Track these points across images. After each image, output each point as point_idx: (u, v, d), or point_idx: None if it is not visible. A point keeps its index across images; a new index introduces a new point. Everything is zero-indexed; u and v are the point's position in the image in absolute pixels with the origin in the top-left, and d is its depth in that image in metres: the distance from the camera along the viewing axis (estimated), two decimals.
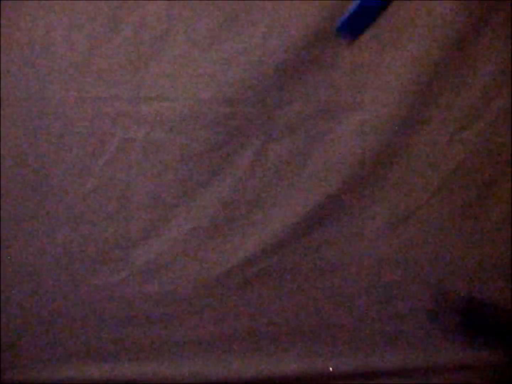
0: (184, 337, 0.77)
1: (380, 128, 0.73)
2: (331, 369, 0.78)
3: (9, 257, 0.74)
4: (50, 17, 0.69)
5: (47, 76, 0.70)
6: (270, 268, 0.76)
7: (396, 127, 0.73)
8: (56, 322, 0.76)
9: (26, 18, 0.69)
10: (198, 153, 0.73)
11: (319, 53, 0.71)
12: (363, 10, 0.47)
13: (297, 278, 0.76)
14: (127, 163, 0.72)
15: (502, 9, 0.71)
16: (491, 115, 0.73)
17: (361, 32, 0.47)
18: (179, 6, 0.70)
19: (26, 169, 0.72)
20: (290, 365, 0.78)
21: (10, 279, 0.75)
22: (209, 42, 0.71)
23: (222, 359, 0.78)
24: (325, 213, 0.74)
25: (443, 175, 0.74)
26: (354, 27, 0.48)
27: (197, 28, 0.70)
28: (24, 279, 0.75)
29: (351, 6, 0.48)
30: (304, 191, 0.74)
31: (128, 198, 0.73)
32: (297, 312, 0.77)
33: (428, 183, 0.74)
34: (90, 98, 0.71)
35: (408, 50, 0.72)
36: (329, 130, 0.73)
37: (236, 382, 0.77)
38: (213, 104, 0.71)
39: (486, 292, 0.77)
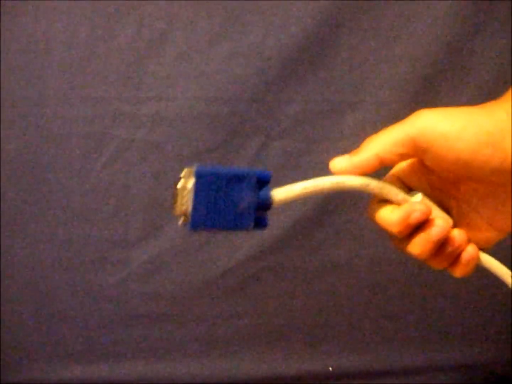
0: (184, 337, 0.77)
1: (380, 128, 0.73)
2: (331, 369, 0.78)
3: (9, 257, 0.74)
4: (50, 17, 0.69)
5: (46, 76, 0.70)
6: (270, 268, 0.76)
7: None
8: (56, 322, 0.76)
9: (26, 18, 0.69)
10: (198, 153, 0.73)
11: (318, 53, 0.71)
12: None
13: (297, 278, 0.76)
14: (126, 163, 0.72)
15: (502, 9, 0.71)
16: None
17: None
18: (178, 6, 0.69)
19: (25, 169, 0.72)
20: (290, 365, 0.78)
21: (10, 279, 0.75)
22: (209, 42, 0.70)
23: (222, 359, 0.78)
24: (325, 213, 0.75)
25: None
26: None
27: (197, 28, 0.70)
28: (24, 279, 0.75)
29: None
30: None
31: (127, 198, 0.73)
32: (297, 312, 0.77)
33: None
34: (90, 98, 0.71)
35: (408, 50, 0.71)
36: (329, 130, 0.73)
37: (236, 382, 0.77)
38: (213, 104, 0.71)
39: (486, 293, 0.77)
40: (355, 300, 0.77)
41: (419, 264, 0.77)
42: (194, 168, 0.39)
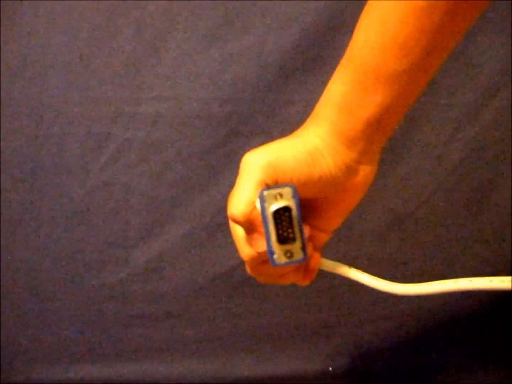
0: (184, 337, 0.77)
1: None
2: (331, 369, 0.78)
3: (9, 257, 0.74)
4: (50, 17, 0.69)
5: (47, 76, 0.70)
6: None
7: (396, 127, 0.73)
8: (56, 322, 0.76)
9: (25, 18, 0.69)
10: (198, 153, 0.73)
11: (318, 53, 0.71)
12: None
13: None
14: (126, 163, 0.73)
15: (502, 9, 0.71)
16: (490, 115, 0.73)
17: None
18: (179, 6, 0.70)
19: (25, 169, 0.72)
20: (290, 365, 0.78)
21: (10, 279, 0.75)
22: (209, 42, 0.70)
23: (222, 359, 0.78)
24: None
25: (442, 175, 0.74)
26: None
27: (197, 28, 0.70)
28: (24, 279, 0.75)
29: None
30: None
31: (127, 198, 0.73)
32: (297, 312, 0.77)
33: (428, 182, 0.74)
34: (90, 98, 0.71)
35: None
36: None
37: (236, 382, 0.77)
38: (213, 104, 0.71)
39: (486, 293, 0.77)
40: (355, 300, 0.77)
41: (418, 264, 0.77)
42: (287, 188, 0.34)
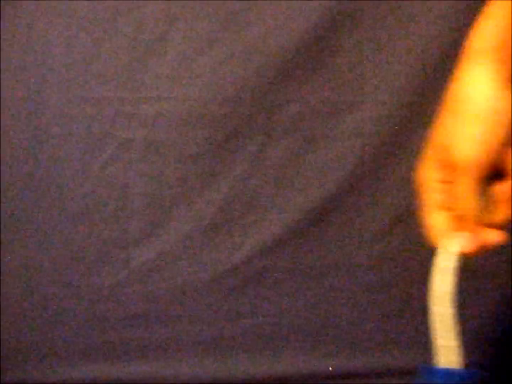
0: (184, 337, 0.77)
1: (380, 128, 0.73)
2: (331, 369, 0.78)
3: (9, 257, 0.74)
4: (50, 17, 0.69)
5: (46, 76, 0.70)
6: (270, 268, 0.76)
7: (396, 127, 0.73)
8: (56, 322, 0.76)
9: (26, 18, 0.69)
10: (197, 153, 0.73)
11: (318, 53, 0.71)
12: None
13: (297, 278, 0.76)
14: (126, 163, 0.72)
15: None
16: None
17: None
18: (178, 6, 0.70)
19: (25, 169, 0.72)
20: (290, 365, 0.78)
21: (10, 279, 0.75)
22: (209, 42, 0.70)
23: (222, 359, 0.78)
24: (324, 213, 0.75)
25: None
26: None
27: (197, 28, 0.70)
28: (24, 279, 0.75)
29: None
30: (303, 191, 0.74)
31: (127, 198, 0.73)
32: (297, 312, 0.77)
33: None
34: (90, 98, 0.71)
35: (408, 50, 0.71)
36: (328, 130, 0.73)
37: (236, 382, 0.77)
38: (213, 104, 0.71)
39: (486, 292, 0.77)
40: (355, 300, 0.77)
41: (418, 264, 0.77)
42: None
